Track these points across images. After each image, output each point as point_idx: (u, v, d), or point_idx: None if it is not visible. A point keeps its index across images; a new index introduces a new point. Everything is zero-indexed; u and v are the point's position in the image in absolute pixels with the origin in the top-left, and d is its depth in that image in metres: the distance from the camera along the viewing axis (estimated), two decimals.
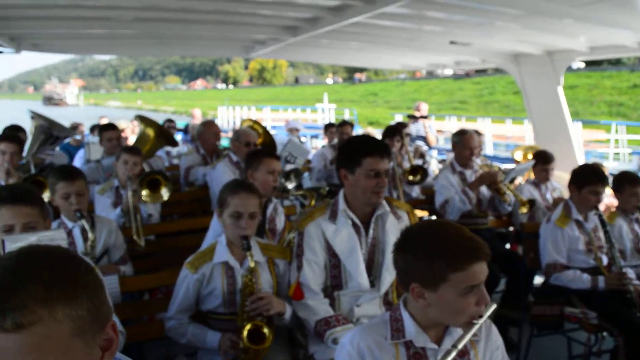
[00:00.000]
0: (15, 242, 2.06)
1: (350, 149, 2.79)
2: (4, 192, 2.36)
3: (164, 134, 5.72)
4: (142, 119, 5.71)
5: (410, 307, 1.80)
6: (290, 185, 5.01)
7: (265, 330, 2.60)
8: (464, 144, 5.00)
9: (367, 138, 2.94)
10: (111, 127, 5.71)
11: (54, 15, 5.49)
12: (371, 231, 2.79)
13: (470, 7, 4.62)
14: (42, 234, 2.17)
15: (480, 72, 45.53)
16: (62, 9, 5.24)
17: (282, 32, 6.36)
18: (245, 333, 2.57)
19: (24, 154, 4.82)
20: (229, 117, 24.79)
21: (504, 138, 20.26)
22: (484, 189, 4.97)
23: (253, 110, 26.86)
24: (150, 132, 5.49)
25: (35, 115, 5.20)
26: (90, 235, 3.08)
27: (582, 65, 36.63)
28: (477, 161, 5.10)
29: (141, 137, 5.55)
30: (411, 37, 6.30)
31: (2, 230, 2.27)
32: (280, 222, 3.82)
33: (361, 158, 2.67)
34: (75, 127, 8.56)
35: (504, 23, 5.01)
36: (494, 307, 1.69)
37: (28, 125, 5.52)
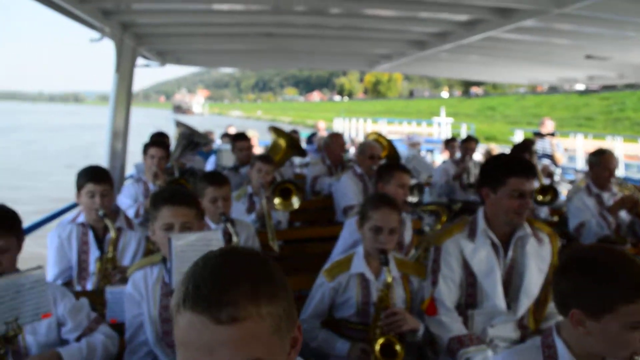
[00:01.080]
0: (179, 240, 2.27)
1: (495, 168, 2.74)
2: (165, 193, 2.56)
3: (294, 144, 5.96)
4: (275, 130, 5.98)
5: (565, 334, 1.70)
6: (412, 200, 5.01)
7: (398, 347, 2.61)
8: (602, 165, 4.73)
9: (512, 157, 2.89)
10: (243, 137, 6.00)
11: (197, 32, 5.95)
12: (510, 252, 2.72)
13: (608, 19, 4.39)
14: (200, 234, 2.35)
15: (609, 87, 42.41)
16: (203, 27, 5.67)
17: (408, 46, 6.41)
18: (377, 347, 2.60)
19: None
20: (345, 129, 25.10)
21: (637, 158, 18.78)
22: (622, 213, 4.67)
23: (369, 122, 26.97)
24: (282, 142, 5.74)
25: (180, 123, 5.64)
26: (234, 238, 3.26)
27: None
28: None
29: (273, 147, 5.81)
30: (542, 50, 6.09)
31: (163, 229, 2.46)
32: (407, 236, 3.83)
33: (506, 178, 2.61)
34: (207, 135, 9.13)
35: None
36: None
37: (172, 131, 5.99)
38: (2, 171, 22.68)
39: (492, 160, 2.92)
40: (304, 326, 2.88)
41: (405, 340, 2.75)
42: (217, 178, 3.51)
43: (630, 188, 4.81)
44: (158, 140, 5.19)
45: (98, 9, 4.67)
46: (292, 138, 6.03)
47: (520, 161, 2.77)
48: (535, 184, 5.70)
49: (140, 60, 6.66)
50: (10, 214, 2.38)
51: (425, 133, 25.68)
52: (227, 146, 6.61)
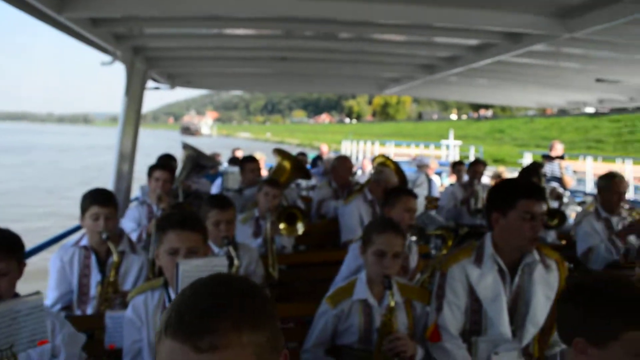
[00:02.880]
0: (185, 266, 2.25)
1: (504, 191, 2.71)
2: (173, 217, 2.54)
3: (299, 167, 5.94)
4: (279, 152, 5.97)
5: None
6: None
7: None
8: (612, 189, 4.66)
9: (521, 180, 2.87)
10: (252, 159, 6.01)
11: (206, 55, 5.99)
12: (517, 279, 2.68)
13: (618, 43, 4.37)
14: (206, 259, 2.34)
15: (620, 109, 42.27)
16: (213, 50, 5.71)
17: (417, 70, 6.42)
18: None
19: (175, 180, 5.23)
20: (353, 151, 25.14)
21: None
22: (632, 238, 4.59)
23: (377, 144, 27.03)
24: (287, 164, 5.72)
25: (186, 146, 5.64)
26: (236, 261, 3.24)
27: None
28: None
29: (278, 169, 5.79)
30: (551, 74, 6.07)
31: (168, 253, 2.44)
32: (413, 260, 3.80)
33: (516, 200, 2.58)
34: (214, 157, 9.16)
35: None
36: None
37: (178, 154, 6.00)
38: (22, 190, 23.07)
39: (500, 184, 2.90)
40: (308, 356, 2.84)
41: None
42: (221, 201, 3.50)
43: (639, 212, 4.74)
44: (163, 162, 5.19)
45: (110, 33, 4.72)
46: (297, 160, 6.01)
47: (529, 183, 2.76)
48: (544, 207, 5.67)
49: (150, 83, 6.71)
50: (13, 238, 2.36)
51: (434, 155, 25.66)
52: (234, 168, 6.60)
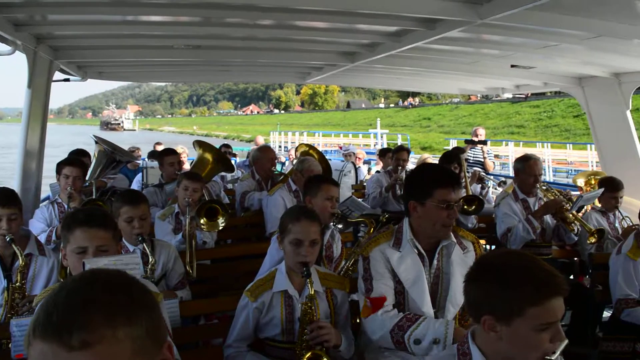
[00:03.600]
0: (93, 265, 2.11)
1: (421, 180, 2.74)
2: (80, 215, 2.39)
3: (222, 159, 5.78)
4: (200, 144, 5.79)
5: (479, 340, 1.73)
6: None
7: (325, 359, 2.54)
8: (527, 171, 4.83)
9: (437, 168, 2.89)
10: (172, 152, 5.82)
11: (119, 44, 5.69)
12: (435, 262, 2.71)
13: (534, 29, 4.50)
14: (116, 257, 2.22)
15: (539, 95, 44.26)
16: (127, 39, 5.43)
17: (339, 58, 6.38)
18: None
19: (88, 177, 4.96)
20: (281, 142, 25.08)
21: (565, 164, 19.68)
22: (547, 218, 4.77)
23: (305, 135, 27.10)
24: (209, 156, 5.56)
25: (99, 140, 5.36)
26: (151, 258, 3.10)
27: None
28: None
29: (199, 162, 5.62)
30: (470, 60, 6.20)
31: (76, 252, 2.30)
32: (337, 249, 3.77)
33: (432, 189, 2.61)
34: (132, 152, 8.79)
35: (569, 45, 4.85)
36: (565, 343, 1.63)
37: (89, 149, 5.70)
38: None
39: (416, 173, 2.92)
40: (231, 351, 2.75)
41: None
42: (132, 197, 3.35)
43: (554, 193, 4.93)
44: (73, 158, 4.89)
45: (8, 20, 4.38)
46: (219, 152, 5.84)
47: (445, 172, 2.79)
48: (462, 193, 5.80)
49: (58, 75, 6.32)
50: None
51: (362, 144, 26.02)
52: (154, 163, 6.36)
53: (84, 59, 6.18)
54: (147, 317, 1.03)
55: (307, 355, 2.54)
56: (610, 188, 5.06)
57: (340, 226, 3.95)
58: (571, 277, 5.26)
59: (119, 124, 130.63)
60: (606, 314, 4.40)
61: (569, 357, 3.97)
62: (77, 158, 5.07)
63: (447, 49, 5.50)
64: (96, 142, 5.38)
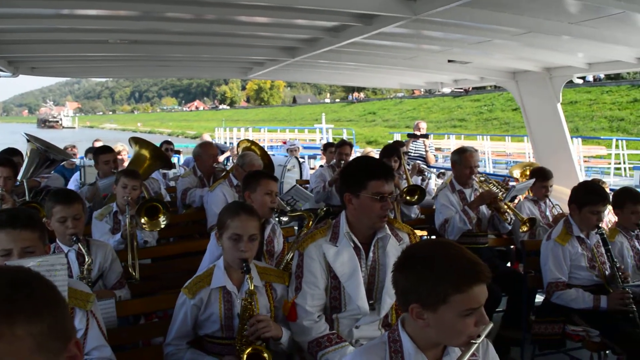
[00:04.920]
0: None
1: (354, 173, 2.77)
2: (3, 216, 2.30)
3: (159, 155, 5.67)
4: (136, 141, 5.65)
5: (408, 327, 1.78)
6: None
7: (265, 354, 2.56)
8: (463, 163, 4.97)
9: (370, 161, 2.93)
10: (107, 149, 5.66)
11: (52, 39, 5.49)
12: (371, 254, 2.76)
13: (469, 25, 4.63)
14: (41, 259, 2.13)
15: (479, 89, 45.43)
16: (60, 33, 5.24)
17: (280, 53, 6.37)
18: (244, 357, 2.52)
19: (20, 176, 4.78)
20: (227, 138, 24.81)
21: (504, 155, 20.29)
22: (483, 208, 4.93)
23: (250, 131, 26.89)
24: (146, 153, 5.44)
25: (31, 138, 5.17)
26: (87, 259, 3.03)
27: (581, 80, 36.66)
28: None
29: (136, 159, 5.49)
30: (409, 56, 6.31)
31: (0, 255, 2.22)
32: (278, 243, 3.77)
33: (366, 181, 2.65)
34: (68, 150, 8.49)
35: (503, 41, 5.02)
36: (491, 326, 1.69)
37: (24, 148, 5.48)
38: None
39: (351, 166, 2.96)
40: (170, 349, 2.73)
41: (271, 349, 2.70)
42: (65, 196, 3.24)
43: (493, 183, 5.10)
44: (2, 158, 4.70)
45: None
46: (156, 148, 5.72)
47: (378, 164, 2.84)
48: (404, 184, 5.91)
49: None
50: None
51: (308, 139, 26.04)
52: (92, 162, 6.18)
53: (15, 53, 5.93)
54: (51, 313, 1.04)
55: (247, 350, 2.54)
56: (541, 178, 5.29)
57: (285, 219, 3.96)
58: (508, 264, 5.47)
59: (58, 121, 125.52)
60: (539, 298, 4.58)
61: (505, 341, 4.17)
62: (7, 157, 4.87)
63: (387, 44, 5.59)
64: (28, 140, 5.18)
